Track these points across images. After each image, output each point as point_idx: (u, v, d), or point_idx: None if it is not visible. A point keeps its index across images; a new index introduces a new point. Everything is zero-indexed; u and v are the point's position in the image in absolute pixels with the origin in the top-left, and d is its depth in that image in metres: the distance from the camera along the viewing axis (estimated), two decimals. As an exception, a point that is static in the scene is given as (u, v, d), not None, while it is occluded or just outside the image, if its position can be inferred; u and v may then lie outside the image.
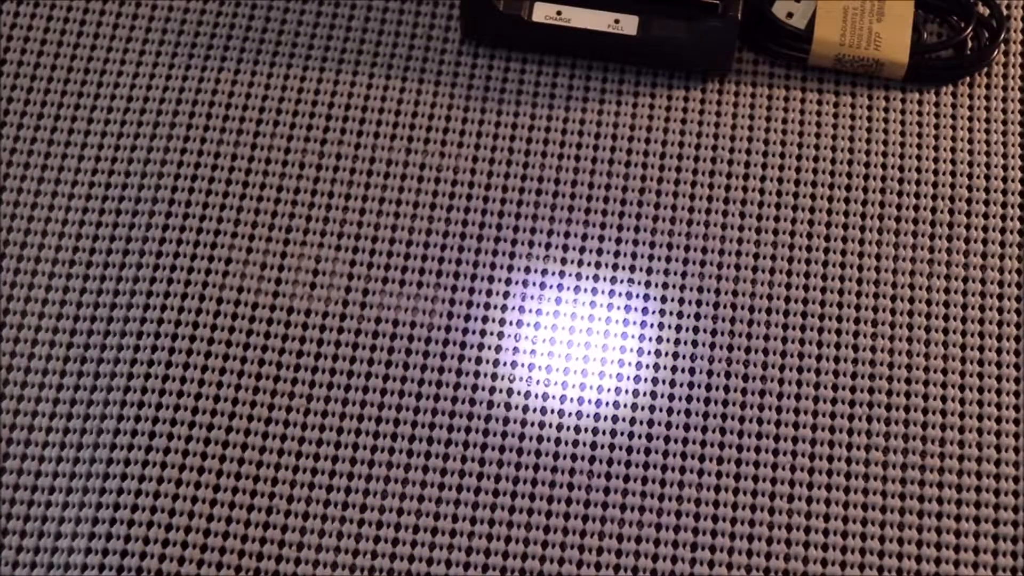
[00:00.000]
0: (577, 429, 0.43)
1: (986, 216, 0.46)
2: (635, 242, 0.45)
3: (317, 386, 0.43)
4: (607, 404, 0.43)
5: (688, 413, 0.43)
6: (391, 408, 0.43)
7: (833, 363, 0.44)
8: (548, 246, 0.45)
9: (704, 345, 0.44)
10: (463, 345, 0.44)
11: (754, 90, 0.48)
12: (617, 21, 0.46)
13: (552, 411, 0.43)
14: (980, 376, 0.44)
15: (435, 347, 0.44)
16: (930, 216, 0.46)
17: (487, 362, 0.44)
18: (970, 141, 0.47)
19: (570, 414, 0.43)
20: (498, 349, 0.44)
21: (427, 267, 0.45)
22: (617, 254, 0.45)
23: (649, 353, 0.44)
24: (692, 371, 0.44)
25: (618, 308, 0.44)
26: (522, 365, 0.44)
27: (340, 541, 0.42)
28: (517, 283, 0.45)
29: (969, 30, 0.47)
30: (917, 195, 0.46)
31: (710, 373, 0.44)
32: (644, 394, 0.43)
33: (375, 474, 0.42)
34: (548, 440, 0.43)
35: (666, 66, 0.48)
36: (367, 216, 0.46)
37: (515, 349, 0.44)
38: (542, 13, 0.46)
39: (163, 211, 0.46)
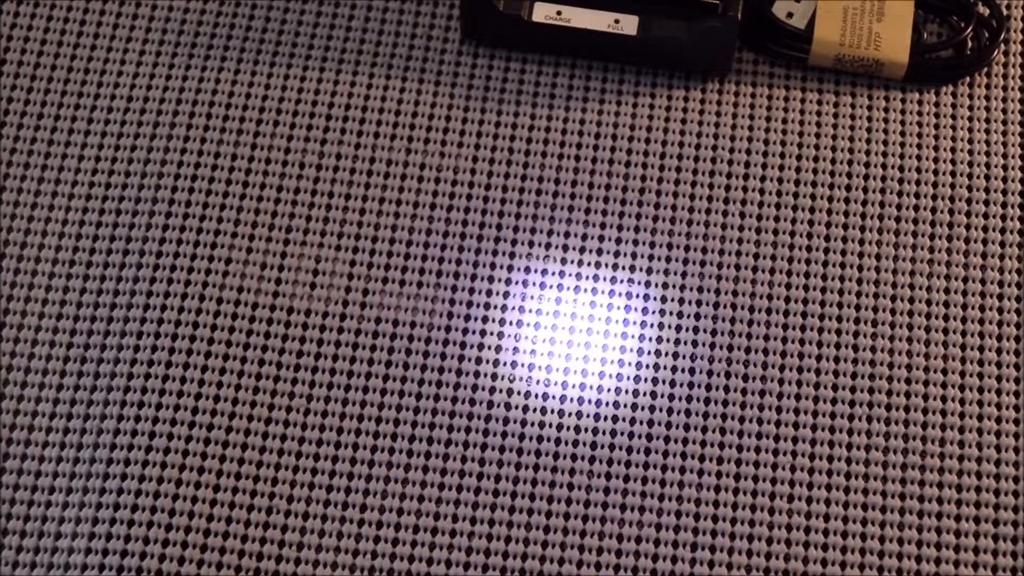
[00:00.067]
0: (577, 429, 0.43)
1: (986, 216, 0.46)
2: (635, 242, 0.45)
3: (317, 386, 0.43)
4: (607, 404, 0.43)
5: (688, 413, 0.43)
6: (391, 408, 0.43)
7: (833, 363, 0.44)
8: (548, 246, 0.45)
9: (704, 345, 0.44)
10: (463, 345, 0.44)
11: (754, 90, 0.48)
12: (617, 21, 0.46)
13: (552, 411, 0.43)
14: (980, 376, 0.44)
15: (435, 347, 0.44)
16: (930, 216, 0.46)
17: (487, 362, 0.44)
18: (970, 141, 0.47)
19: (570, 414, 0.43)
20: (498, 349, 0.44)
21: (427, 267, 0.45)
22: (617, 254, 0.45)
23: (649, 353, 0.44)
24: (692, 371, 0.44)
25: (618, 308, 0.44)
26: (522, 365, 0.44)
27: (340, 541, 0.42)
28: (517, 283, 0.45)
29: (969, 30, 0.47)
30: (917, 195, 0.46)
31: (710, 373, 0.44)
32: (644, 394, 0.43)
33: (375, 474, 0.42)
34: (548, 440, 0.43)
35: (666, 66, 0.48)
36: (367, 216, 0.46)
37: (515, 349, 0.44)
38: (542, 13, 0.46)
39: (163, 211, 0.46)
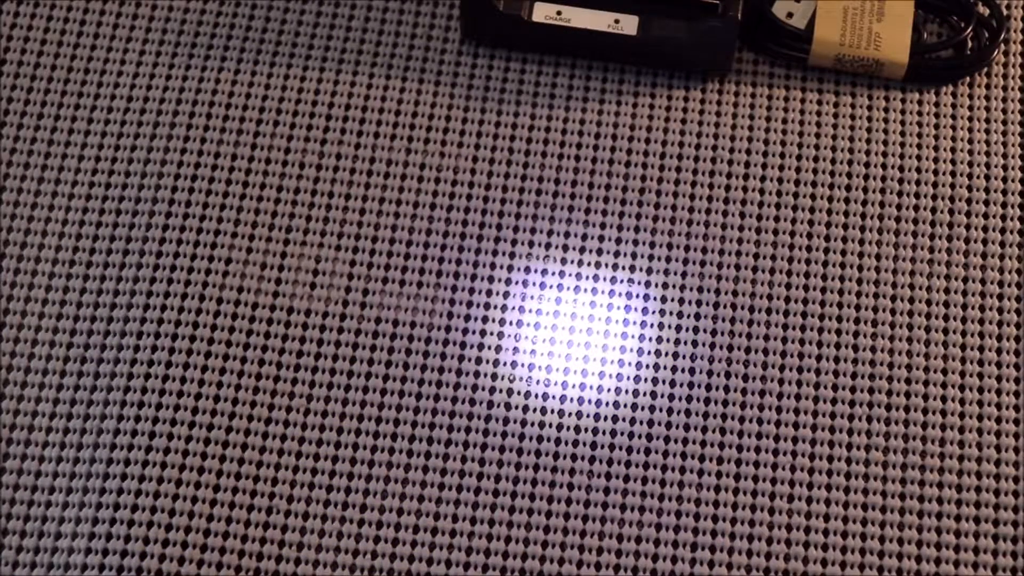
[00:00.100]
0: (577, 429, 0.43)
1: (986, 216, 0.46)
2: (635, 242, 0.45)
3: (317, 386, 0.43)
4: (607, 404, 0.43)
5: (688, 413, 0.43)
6: (391, 408, 0.43)
7: (833, 363, 0.44)
8: (548, 246, 0.45)
9: (704, 345, 0.44)
10: (463, 345, 0.44)
11: (754, 90, 0.48)
12: (617, 21, 0.46)
13: (552, 411, 0.43)
14: (980, 376, 0.44)
15: (435, 347, 0.44)
16: (930, 216, 0.46)
17: (487, 362, 0.44)
18: (970, 141, 0.47)
19: (570, 414, 0.43)
20: (498, 349, 0.44)
21: (427, 267, 0.45)
22: (617, 254, 0.45)
23: (649, 353, 0.44)
24: (692, 371, 0.44)
25: (618, 308, 0.44)
26: (522, 365, 0.44)
27: (340, 541, 0.42)
28: (517, 283, 0.45)
29: (969, 30, 0.47)
30: (917, 195, 0.46)
31: (710, 373, 0.44)
32: (644, 394, 0.43)
33: (375, 474, 0.42)
34: (548, 440, 0.43)
35: (666, 66, 0.48)
36: (367, 216, 0.46)
37: (515, 349, 0.44)
38: (542, 13, 0.46)
39: (163, 211, 0.46)
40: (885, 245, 0.45)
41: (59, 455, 0.43)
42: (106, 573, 0.41)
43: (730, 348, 0.44)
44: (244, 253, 0.45)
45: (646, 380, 0.43)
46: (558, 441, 0.43)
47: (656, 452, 0.43)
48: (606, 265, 0.45)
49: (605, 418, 0.43)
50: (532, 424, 0.43)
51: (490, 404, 0.43)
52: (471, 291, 0.45)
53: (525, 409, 0.43)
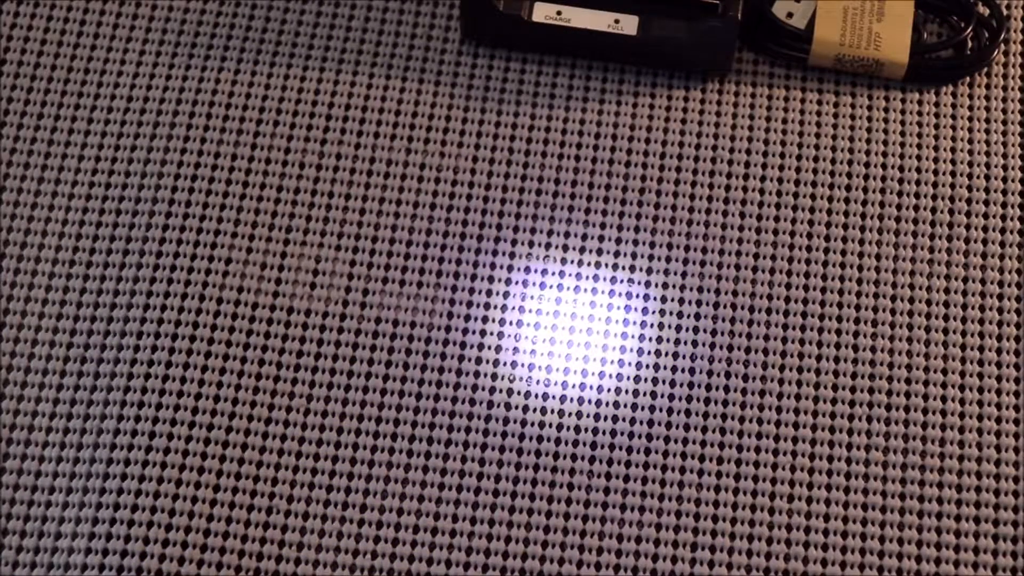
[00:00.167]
0: (577, 429, 0.43)
1: (986, 216, 0.46)
2: (635, 242, 0.45)
3: (317, 386, 0.43)
4: (607, 404, 0.43)
5: (688, 413, 0.43)
6: (391, 408, 0.43)
7: (833, 363, 0.44)
8: (548, 246, 0.45)
9: (704, 345, 0.44)
10: (463, 345, 0.44)
11: (754, 90, 0.48)
12: (617, 21, 0.46)
13: (552, 411, 0.43)
14: (980, 376, 0.44)
15: (435, 347, 0.44)
16: (930, 216, 0.46)
17: (487, 362, 0.44)
18: (970, 141, 0.47)
19: (570, 414, 0.43)
20: (498, 349, 0.44)
21: (427, 267, 0.45)
22: (617, 254, 0.45)
23: (649, 353, 0.44)
24: (692, 371, 0.44)
25: (618, 308, 0.44)
26: (522, 365, 0.44)
27: (340, 541, 0.42)
28: (517, 283, 0.45)
29: (969, 30, 0.47)
30: (917, 195, 0.46)
31: (710, 373, 0.44)
32: (644, 394, 0.43)
33: (375, 474, 0.42)
34: (548, 440, 0.43)
35: (666, 66, 0.48)
36: (367, 216, 0.46)
37: (515, 349, 0.44)
38: (542, 13, 0.46)
39: (163, 211, 0.46)
40: (885, 245, 0.45)
41: (59, 455, 0.43)
42: (106, 573, 0.41)
43: (730, 348, 0.44)
44: (244, 253, 0.45)
45: (646, 380, 0.43)
46: (558, 441, 0.43)
47: (656, 452, 0.43)
48: (606, 265, 0.45)
49: (605, 418, 0.43)
50: (532, 424, 0.43)
51: (490, 404, 0.43)
52: (471, 291, 0.45)
53: (525, 409, 0.43)
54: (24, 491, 0.42)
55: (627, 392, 0.43)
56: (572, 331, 0.44)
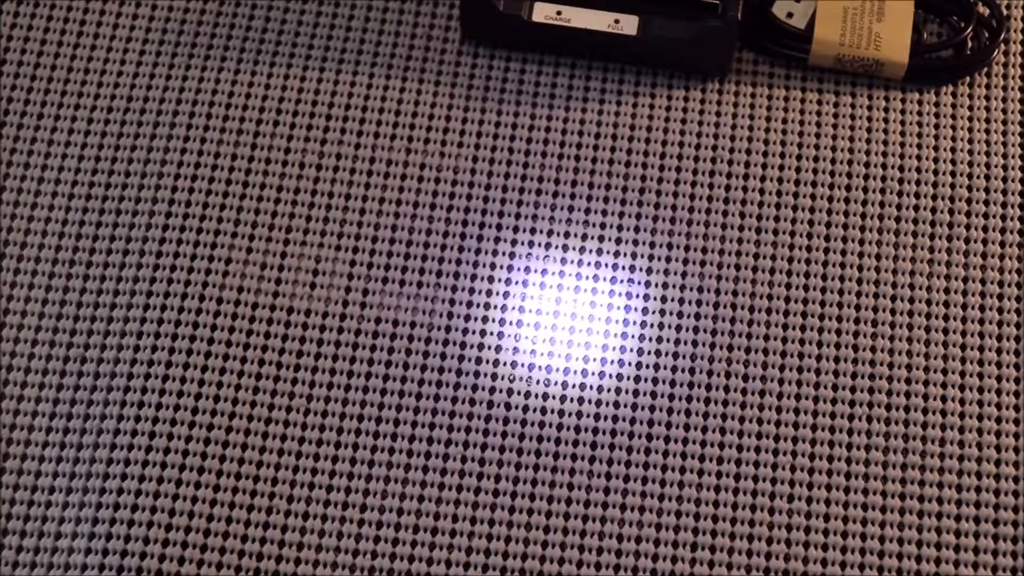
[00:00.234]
0: (577, 429, 0.43)
1: (986, 216, 0.46)
2: (635, 242, 0.45)
3: (317, 386, 0.43)
4: (607, 404, 0.43)
5: (688, 413, 0.43)
6: (391, 408, 0.43)
7: (833, 363, 0.44)
8: (548, 246, 0.45)
9: (704, 345, 0.44)
10: (463, 345, 0.44)
11: (754, 90, 0.48)
12: (617, 21, 0.46)
13: (552, 411, 0.43)
14: (980, 376, 0.44)
15: (435, 347, 0.44)
16: (930, 216, 0.46)
17: (487, 362, 0.44)
18: (970, 141, 0.47)
19: (570, 414, 0.43)
20: (498, 349, 0.44)
21: (427, 267, 0.45)
22: (617, 254, 0.45)
23: (649, 353, 0.44)
24: (692, 371, 0.44)
25: (618, 308, 0.44)
26: (522, 365, 0.44)
27: (340, 541, 0.42)
28: (517, 283, 0.45)
29: (969, 30, 0.47)
30: (917, 195, 0.46)
31: (710, 373, 0.44)
32: (644, 394, 0.43)
33: (375, 474, 0.42)
34: (548, 440, 0.43)
35: (666, 66, 0.48)
36: (367, 216, 0.46)
37: (515, 349, 0.44)
38: (542, 13, 0.46)
39: (163, 211, 0.46)
40: (885, 245, 0.45)
41: (59, 455, 0.43)
42: (106, 573, 0.41)
43: (730, 348, 0.44)
44: (244, 253, 0.45)
45: (646, 380, 0.43)
46: (558, 441, 0.43)
47: (656, 452, 0.43)
48: (606, 265, 0.45)
49: (605, 418, 0.43)
50: (532, 424, 0.43)
51: (490, 404, 0.43)
52: (471, 291, 0.45)
53: (525, 409, 0.43)
54: (24, 491, 0.42)
55: (627, 392, 0.43)
56: (572, 331, 0.44)
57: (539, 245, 0.45)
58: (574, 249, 0.45)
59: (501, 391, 0.43)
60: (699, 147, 0.47)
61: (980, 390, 0.43)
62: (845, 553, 0.41)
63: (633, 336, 0.44)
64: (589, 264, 0.45)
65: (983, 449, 0.43)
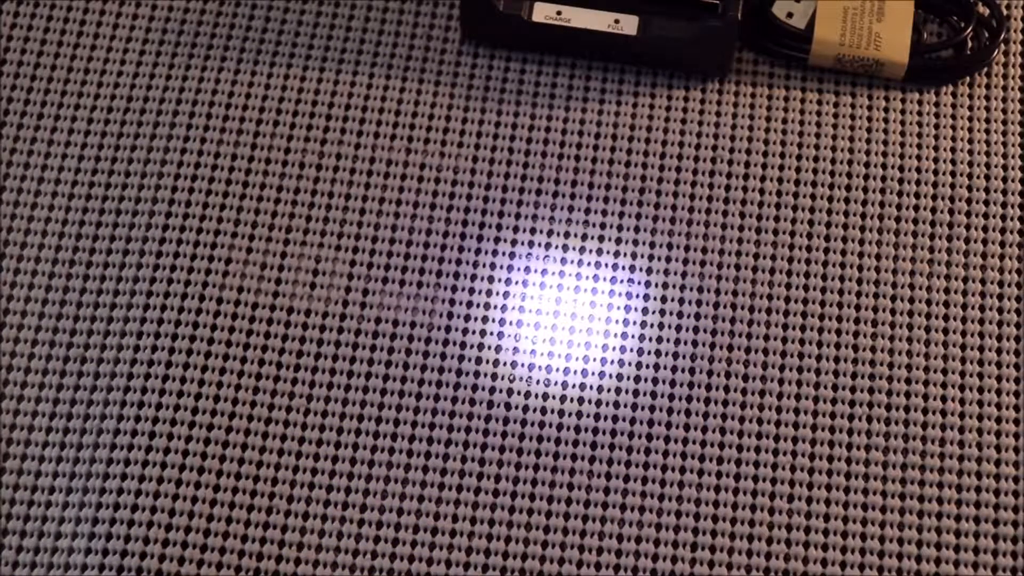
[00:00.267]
0: (577, 429, 0.43)
1: (986, 216, 0.46)
2: (635, 242, 0.45)
3: (317, 386, 0.43)
4: (607, 404, 0.43)
5: (688, 413, 0.43)
6: (391, 408, 0.43)
7: (833, 363, 0.44)
8: (548, 246, 0.45)
9: (704, 345, 0.44)
10: (463, 345, 0.44)
11: (754, 90, 0.48)
12: (617, 21, 0.46)
13: (552, 411, 0.43)
14: (980, 376, 0.44)
15: (435, 347, 0.44)
16: (930, 216, 0.46)
17: (487, 362, 0.44)
18: (970, 141, 0.47)
19: (570, 414, 0.43)
20: (498, 349, 0.44)
21: (427, 267, 0.45)
22: (617, 254, 0.45)
23: (649, 353, 0.44)
24: (692, 371, 0.44)
25: (618, 308, 0.44)
26: (522, 365, 0.44)
27: (340, 541, 0.42)
28: (517, 283, 0.45)
29: (969, 30, 0.47)
30: (917, 195, 0.46)
31: (710, 373, 0.44)
32: (644, 394, 0.43)
33: (375, 474, 0.42)
34: (548, 440, 0.43)
35: (666, 66, 0.48)
36: (367, 216, 0.46)
37: (515, 348, 0.44)
38: (542, 13, 0.46)
39: (163, 211, 0.46)
40: (885, 245, 0.45)
41: (59, 455, 0.43)
42: (106, 573, 0.41)
43: (730, 348, 0.44)
44: (244, 253, 0.45)
45: (646, 380, 0.43)
46: (558, 441, 0.43)
47: (656, 452, 0.43)
48: (606, 265, 0.45)
49: (605, 418, 0.43)
50: (532, 424, 0.43)
51: (490, 404, 0.43)
52: (471, 291, 0.45)
53: (525, 409, 0.43)
54: (24, 491, 0.42)
55: (627, 392, 0.43)
56: (572, 331, 0.44)
57: (539, 245, 0.45)
58: (574, 249, 0.45)
59: (501, 391, 0.43)
60: (699, 147, 0.47)
61: (980, 390, 0.43)
62: (845, 553, 0.41)
63: (633, 336, 0.44)
64: (589, 264, 0.45)
65: (983, 449, 0.43)
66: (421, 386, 0.43)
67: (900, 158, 0.47)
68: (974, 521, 0.42)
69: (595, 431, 0.43)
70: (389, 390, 0.43)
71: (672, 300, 0.45)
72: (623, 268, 0.45)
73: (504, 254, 0.45)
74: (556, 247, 0.45)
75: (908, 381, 0.44)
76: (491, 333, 0.44)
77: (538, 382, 0.43)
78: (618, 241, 0.45)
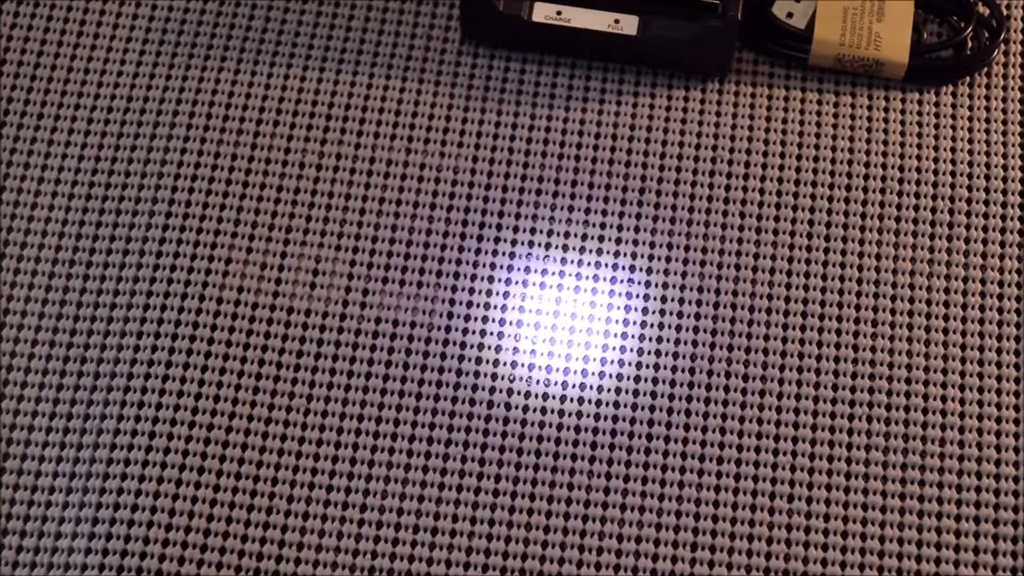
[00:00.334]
0: (577, 429, 0.43)
1: (986, 216, 0.46)
2: (635, 242, 0.45)
3: (317, 386, 0.43)
4: (607, 404, 0.43)
5: (688, 413, 0.43)
6: (391, 408, 0.43)
7: (833, 363, 0.44)
8: (548, 246, 0.45)
9: (704, 345, 0.44)
10: (463, 345, 0.44)
11: (754, 90, 0.48)
12: (617, 21, 0.46)
13: (552, 411, 0.43)
14: (980, 376, 0.44)
15: (435, 347, 0.44)
16: (930, 216, 0.46)
17: (487, 362, 0.44)
18: (970, 141, 0.47)
19: (570, 414, 0.43)
20: (498, 349, 0.44)
21: (427, 267, 0.45)
22: (617, 254, 0.45)
23: (649, 353, 0.44)
24: (692, 371, 0.44)
25: (618, 308, 0.44)
26: (522, 365, 0.44)
27: (340, 541, 0.42)
28: (517, 283, 0.45)
29: (969, 30, 0.47)
30: (917, 195, 0.46)
31: (710, 373, 0.44)
32: (644, 394, 0.43)
33: (375, 474, 0.42)
34: (548, 440, 0.43)
35: (666, 66, 0.48)
36: (367, 216, 0.46)
37: (515, 348, 0.44)
38: (542, 13, 0.46)
39: (163, 211, 0.46)
40: (885, 245, 0.45)
41: (59, 455, 0.43)
42: (106, 573, 0.41)
43: (730, 348, 0.44)
44: (244, 253, 0.45)
45: (646, 380, 0.43)
46: (558, 441, 0.43)
47: (656, 452, 0.43)
48: (606, 265, 0.45)
49: (605, 418, 0.43)
50: (532, 424, 0.43)
51: (490, 404, 0.43)
52: (471, 291, 0.45)
53: (525, 409, 0.43)
54: (24, 491, 0.42)
55: (627, 392, 0.43)
56: (572, 331, 0.44)
57: (539, 245, 0.45)
58: (574, 249, 0.45)
59: (501, 391, 0.43)
60: (699, 147, 0.47)
61: (980, 390, 0.43)
62: (845, 553, 0.41)
63: (633, 336, 0.44)
64: (589, 264, 0.45)
65: (983, 449, 0.43)
66: (421, 386, 0.43)
67: (900, 158, 0.47)
68: (974, 521, 0.42)
69: (595, 431, 0.43)
70: (389, 390, 0.43)
71: (672, 300, 0.45)
72: (623, 268, 0.45)
73: (504, 254, 0.45)
74: (556, 247, 0.45)
75: (908, 381, 0.44)
76: (491, 333, 0.44)
77: (538, 382, 0.43)
78: (618, 241, 0.45)
